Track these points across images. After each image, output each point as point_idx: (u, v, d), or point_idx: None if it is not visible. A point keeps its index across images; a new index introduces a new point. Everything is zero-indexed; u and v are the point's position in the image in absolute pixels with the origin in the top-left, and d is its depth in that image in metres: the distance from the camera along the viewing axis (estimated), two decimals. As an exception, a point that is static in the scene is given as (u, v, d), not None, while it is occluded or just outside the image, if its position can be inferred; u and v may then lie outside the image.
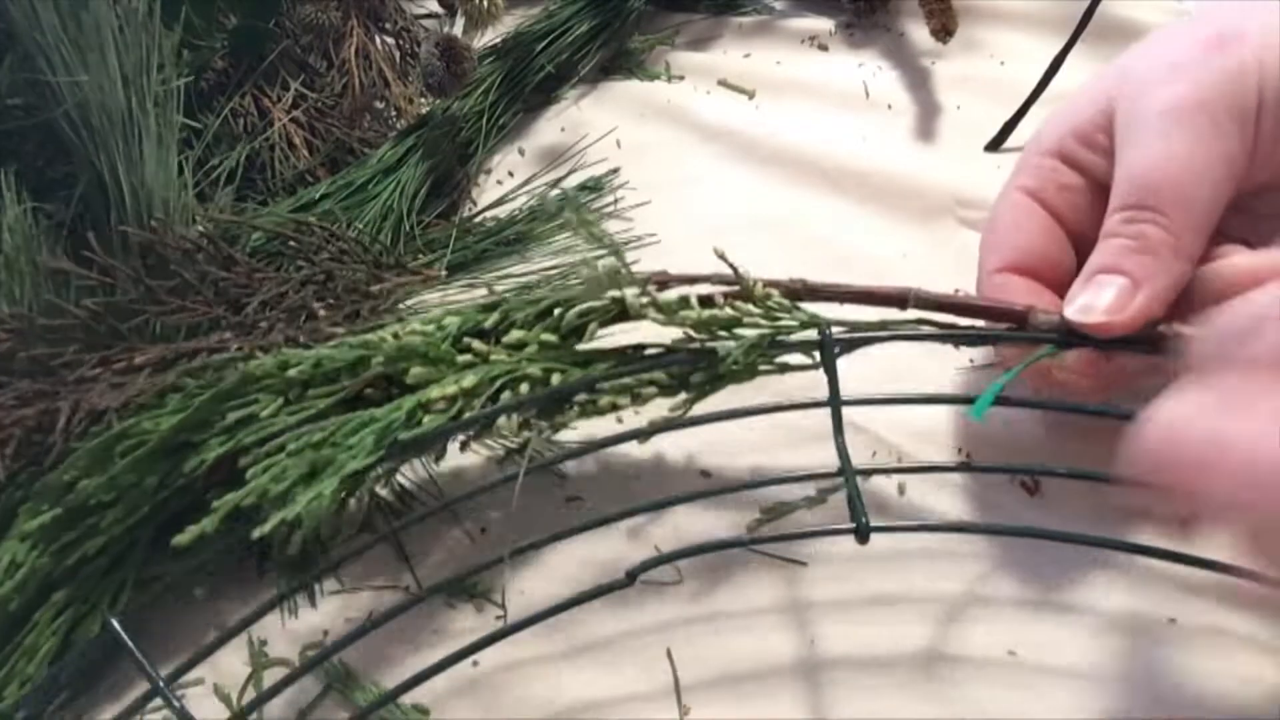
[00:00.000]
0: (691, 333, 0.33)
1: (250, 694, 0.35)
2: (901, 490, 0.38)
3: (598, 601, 0.36)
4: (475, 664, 0.35)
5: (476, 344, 0.34)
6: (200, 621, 0.37)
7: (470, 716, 0.34)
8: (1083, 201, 0.32)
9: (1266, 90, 0.29)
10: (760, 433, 0.39)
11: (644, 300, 0.33)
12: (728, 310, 0.33)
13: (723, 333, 0.33)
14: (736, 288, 0.34)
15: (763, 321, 0.33)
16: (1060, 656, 0.33)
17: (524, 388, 0.33)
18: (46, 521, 0.33)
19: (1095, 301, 0.29)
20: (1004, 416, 0.38)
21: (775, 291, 0.34)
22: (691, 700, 0.34)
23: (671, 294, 0.34)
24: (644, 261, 0.46)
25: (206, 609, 0.37)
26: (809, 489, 0.38)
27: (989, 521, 0.37)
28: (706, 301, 0.34)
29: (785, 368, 0.34)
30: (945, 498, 0.37)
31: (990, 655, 0.34)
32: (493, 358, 0.33)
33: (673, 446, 0.39)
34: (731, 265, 0.34)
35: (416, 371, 0.33)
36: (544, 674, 0.35)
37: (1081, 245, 0.33)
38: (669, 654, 0.35)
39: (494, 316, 0.34)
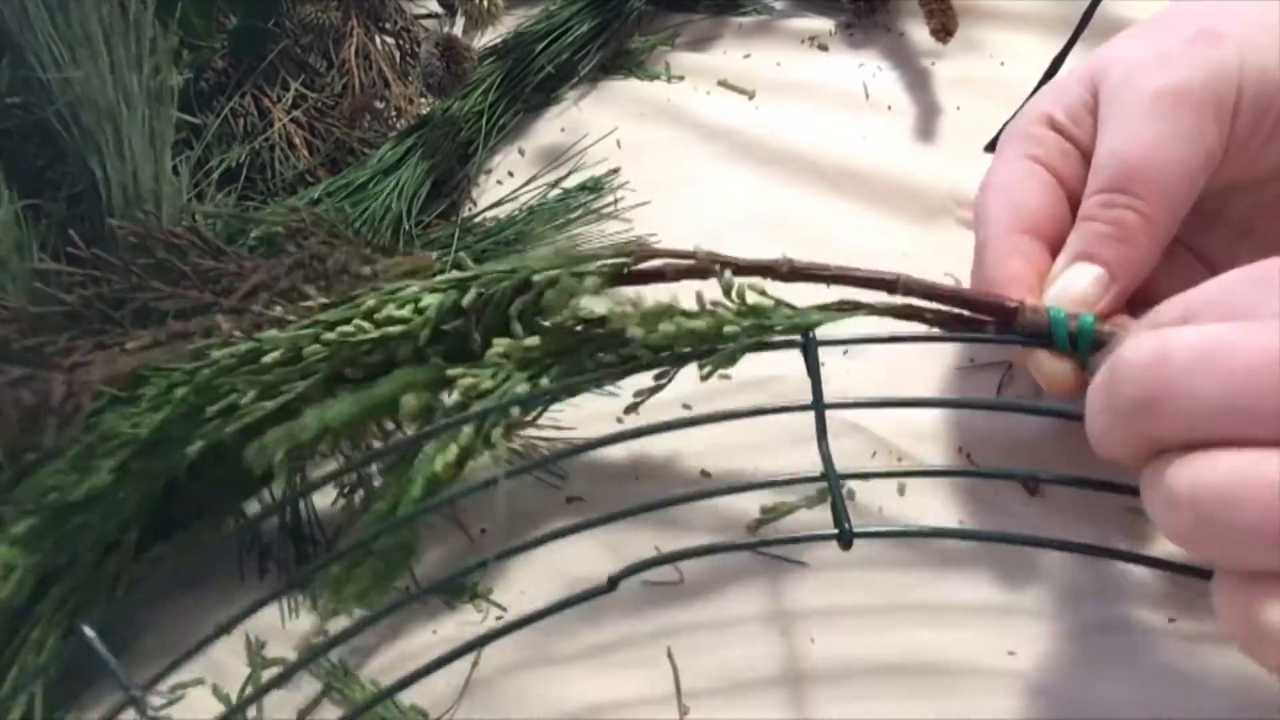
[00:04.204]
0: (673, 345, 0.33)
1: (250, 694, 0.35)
2: (902, 490, 0.38)
3: (598, 602, 0.36)
4: (475, 664, 0.35)
5: (463, 379, 0.33)
6: (200, 628, 0.37)
7: (470, 717, 0.34)
8: (1080, 170, 0.33)
9: (1245, 89, 0.30)
10: (763, 432, 0.39)
11: (626, 311, 0.33)
12: (707, 320, 0.33)
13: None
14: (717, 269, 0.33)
15: (745, 326, 0.33)
16: (1060, 656, 0.33)
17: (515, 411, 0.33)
18: (34, 524, 0.32)
19: (1072, 286, 0.30)
20: (1006, 415, 0.38)
21: (755, 291, 0.33)
22: (691, 700, 0.34)
23: (651, 302, 0.33)
24: (644, 261, 0.46)
25: (207, 614, 0.37)
26: (808, 489, 0.38)
27: (989, 523, 0.37)
28: (688, 313, 0.34)
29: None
30: (947, 496, 0.37)
31: (990, 655, 0.34)
32: (482, 387, 0.33)
33: (674, 446, 0.39)
34: (716, 268, 0.33)
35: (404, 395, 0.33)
36: (544, 674, 0.35)
37: (1075, 209, 0.34)
38: (669, 654, 0.35)
39: (471, 294, 0.34)
